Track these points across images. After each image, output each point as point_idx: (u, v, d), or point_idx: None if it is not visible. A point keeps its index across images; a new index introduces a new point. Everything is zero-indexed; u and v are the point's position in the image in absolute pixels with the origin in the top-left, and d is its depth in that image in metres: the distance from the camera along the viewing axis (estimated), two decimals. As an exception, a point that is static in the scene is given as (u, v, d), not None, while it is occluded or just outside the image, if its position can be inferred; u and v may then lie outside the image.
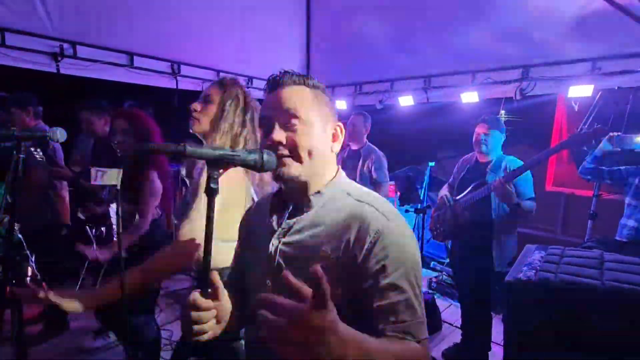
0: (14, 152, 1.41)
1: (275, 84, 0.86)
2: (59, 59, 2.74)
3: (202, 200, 1.24)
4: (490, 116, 2.53)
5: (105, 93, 3.14)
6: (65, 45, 2.77)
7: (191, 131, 1.42)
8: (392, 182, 4.59)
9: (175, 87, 3.50)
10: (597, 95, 3.03)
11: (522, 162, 2.34)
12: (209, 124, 1.39)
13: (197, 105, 1.41)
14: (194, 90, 3.70)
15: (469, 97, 3.40)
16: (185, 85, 3.62)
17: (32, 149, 2.50)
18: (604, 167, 2.58)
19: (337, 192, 0.86)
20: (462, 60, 3.41)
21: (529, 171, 2.33)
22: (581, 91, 2.78)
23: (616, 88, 2.73)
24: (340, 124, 0.92)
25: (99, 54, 2.97)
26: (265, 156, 0.78)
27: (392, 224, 0.77)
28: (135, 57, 3.16)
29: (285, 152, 0.82)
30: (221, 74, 3.73)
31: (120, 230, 1.33)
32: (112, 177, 1.43)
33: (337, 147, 0.90)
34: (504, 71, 3.23)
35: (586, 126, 3.11)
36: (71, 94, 2.94)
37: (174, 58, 3.45)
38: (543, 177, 4.47)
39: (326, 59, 4.28)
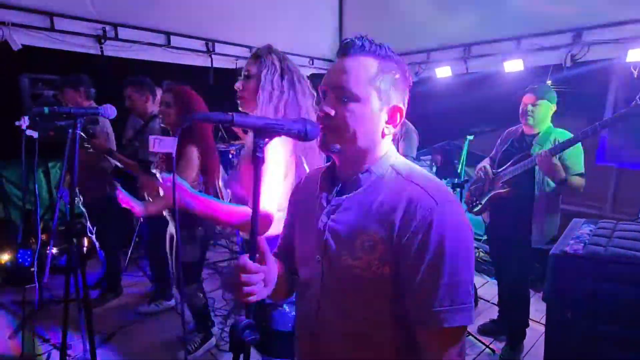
0: (70, 129, 1.51)
1: (342, 50, 0.83)
2: (103, 41, 2.87)
3: (272, 172, 1.26)
4: (539, 85, 2.34)
5: (144, 73, 3.24)
6: (107, 28, 2.88)
7: (241, 110, 1.42)
8: (429, 157, 4.50)
9: (210, 65, 3.56)
10: (660, 59, 2.74)
11: (571, 135, 2.18)
12: (254, 99, 1.38)
13: (239, 84, 1.40)
14: (227, 68, 3.75)
15: (513, 66, 3.19)
16: (219, 63, 3.67)
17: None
18: None
19: (387, 171, 0.84)
20: (505, 24, 3.19)
21: (579, 144, 2.15)
22: (642, 54, 2.54)
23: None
24: (403, 106, 0.85)
25: (138, 34, 3.07)
26: (308, 126, 0.78)
27: (440, 208, 0.74)
28: (172, 37, 3.24)
29: (329, 125, 0.81)
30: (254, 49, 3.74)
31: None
32: (168, 145, 1.52)
33: (391, 130, 0.85)
34: (552, 35, 3.00)
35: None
36: (114, 75, 3.07)
37: (209, 36, 3.49)
38: (592, 151, 4.17)
39: (359, 28, 4.14)
